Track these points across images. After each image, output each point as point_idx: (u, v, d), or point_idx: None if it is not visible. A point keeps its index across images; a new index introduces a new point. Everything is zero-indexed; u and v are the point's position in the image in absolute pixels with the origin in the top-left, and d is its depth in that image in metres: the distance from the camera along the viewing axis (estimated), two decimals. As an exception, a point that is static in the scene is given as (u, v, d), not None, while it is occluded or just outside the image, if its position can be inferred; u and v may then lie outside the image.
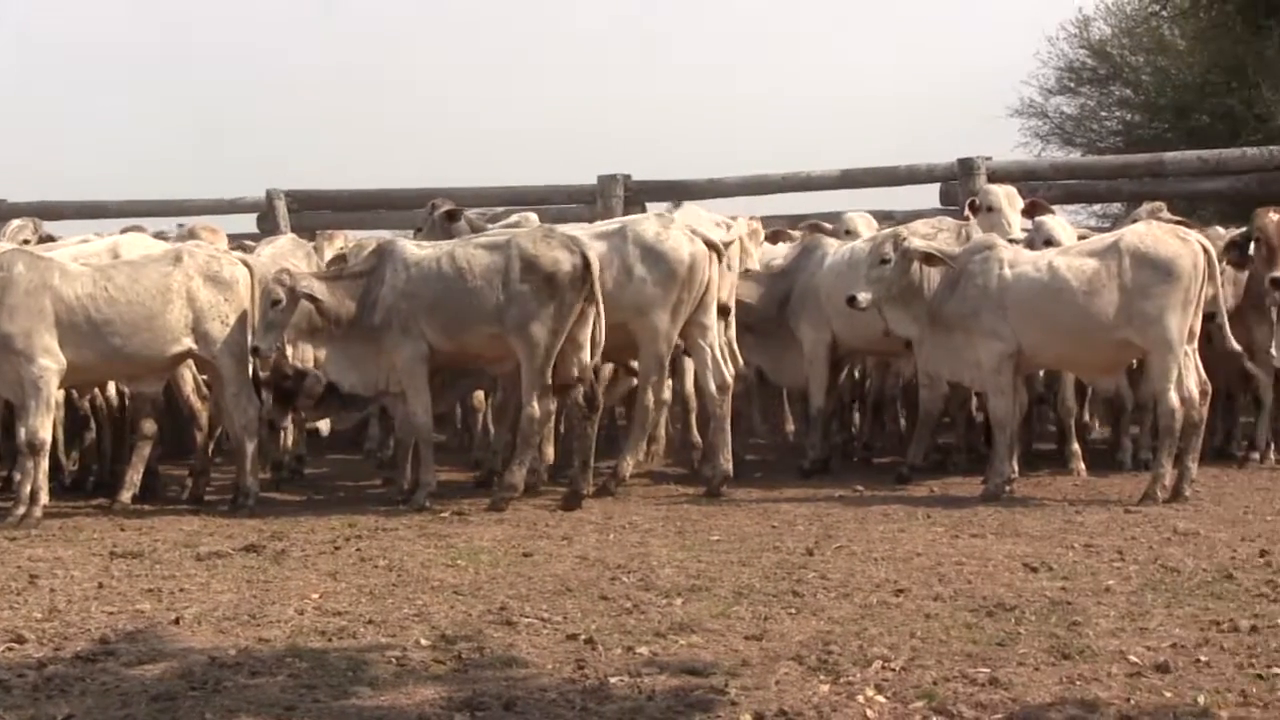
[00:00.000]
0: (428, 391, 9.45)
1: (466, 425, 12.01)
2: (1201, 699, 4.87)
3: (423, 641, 5.80)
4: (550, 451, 10.44)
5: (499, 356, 9.53)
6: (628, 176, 15.45)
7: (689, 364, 11.14)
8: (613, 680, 5.20)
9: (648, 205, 15.03)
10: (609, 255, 9.74)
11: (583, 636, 5.81)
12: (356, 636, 5.93)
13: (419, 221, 11.65)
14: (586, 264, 9.23)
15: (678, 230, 9.81)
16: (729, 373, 9.88)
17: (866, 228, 11.78)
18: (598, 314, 9.32)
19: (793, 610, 6.26)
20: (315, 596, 6.67)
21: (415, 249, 9.62)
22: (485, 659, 5.54)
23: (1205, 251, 9.16)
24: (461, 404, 11.54)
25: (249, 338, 9.32)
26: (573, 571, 7.19)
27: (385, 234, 13.81)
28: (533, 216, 11.18)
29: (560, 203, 15.15)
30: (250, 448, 9.44)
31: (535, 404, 9.22)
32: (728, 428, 9.91)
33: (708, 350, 9.88)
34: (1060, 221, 10.95)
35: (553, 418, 10.02)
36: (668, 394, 10.79)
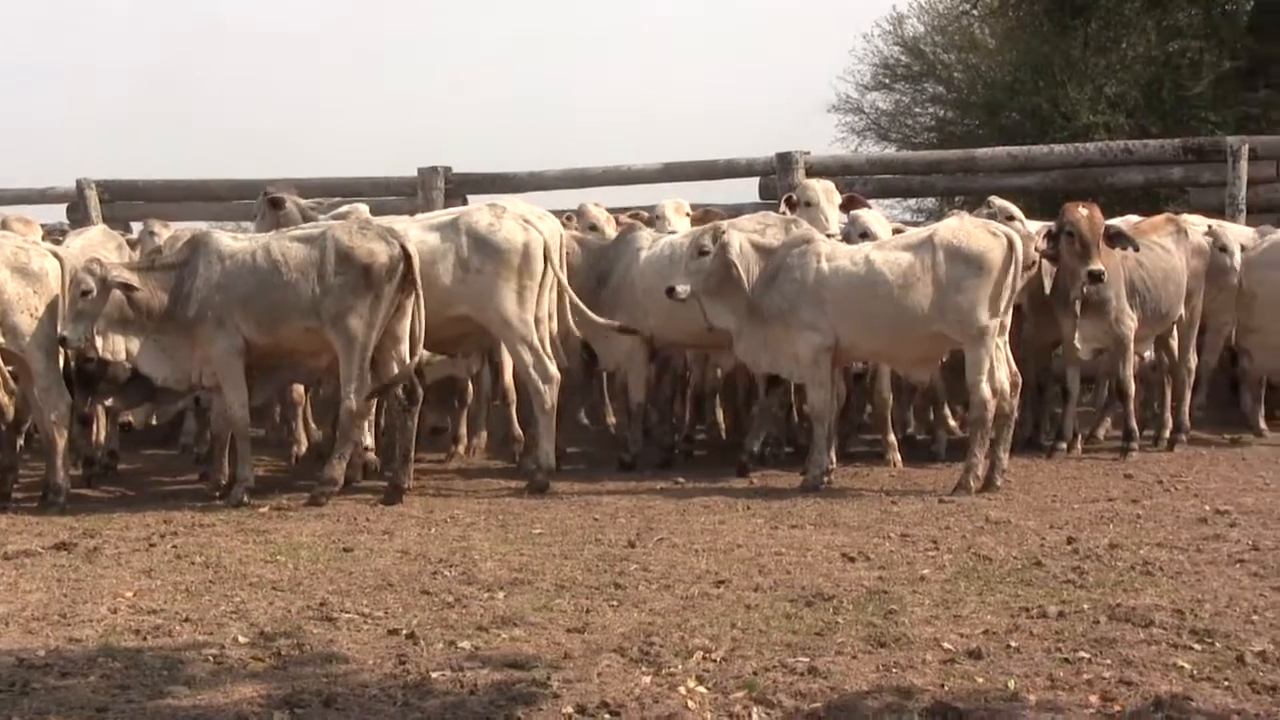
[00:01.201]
0: (244, 385, 9.30)
1: (285, 419, 11.85)
2: (1011, 684, 4.98)
3: (241, 639, 5.71)
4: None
5: (316, 350, 9.41)
6: (448, 169, 15.38)
7: (510, 357, 11.13)
8: (434, 675, 5.17)
9: (469, 198, 14.99)
10: (443, 247, 9.69)
11: (404, 631, 5.77)
12: (172, 635, 5.82)
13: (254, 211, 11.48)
14: (405, 256, 9.15)
15: (510, 219, 9.79)
16: (555, 367, 9.86)
17: (675, 213, 11.84)
18: (417, 307, 9.25)
19: (614, 602, 6.28)
20: (129, 595, 6.54)
21: (229, 241, 9.46)
22: (305, 655, 5.48)
23: (1014, 246, 9.35)
24: (280, 397, 11.37)
25: (60, 330, 9.09)
26: (394, 566, 7.13)
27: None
28: (363, 208, 11.02)
29: (378, 195, 15.01)
30: (60, 443, 9.22)
31: (353, 398, 9.13)
32: (553, 423, 9.91)
33: (538, 344, 9.85)
34: (876, 215, 11.11)
35: (372, 411, 9.93)
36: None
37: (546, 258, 9.77)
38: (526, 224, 9.80)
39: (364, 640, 5.70)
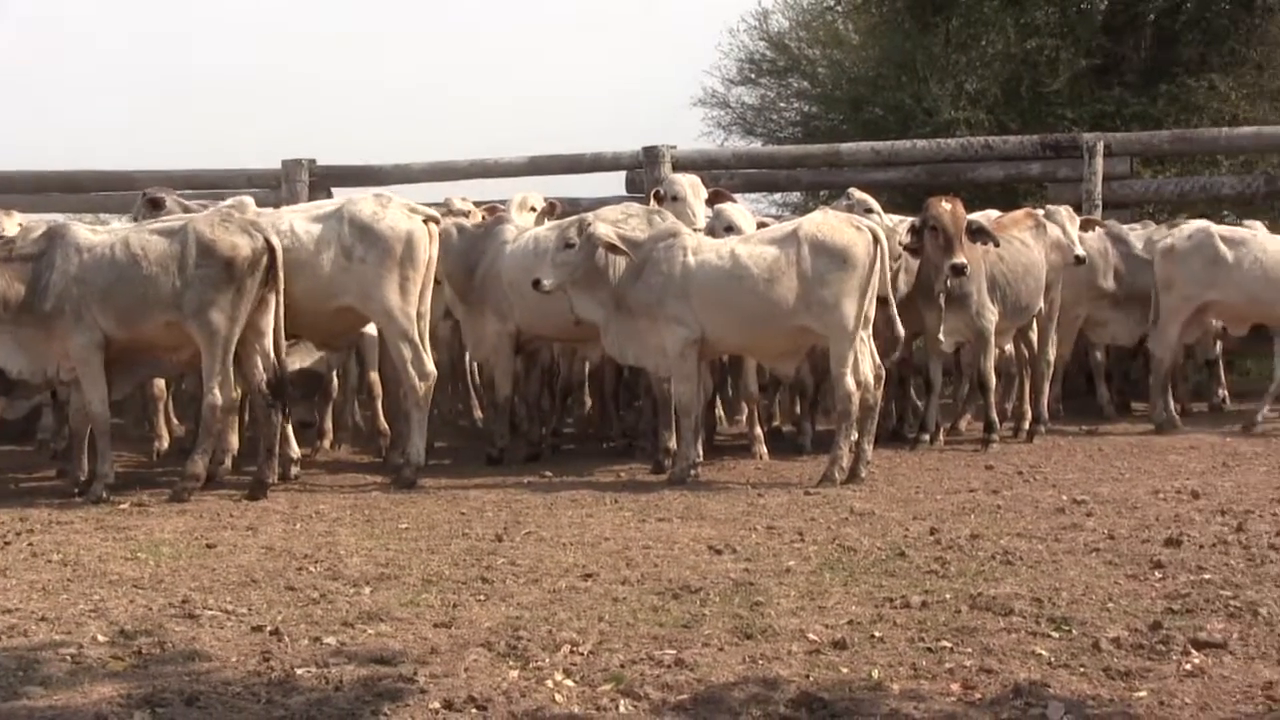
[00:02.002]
0: (103, 380, 9.13)
1: (147, 414, 11.67)
2: (875, 673, 5.03)
3: (100, 638, 5.61)
4: (234, 440, 10.21)
5: (177, 344, 9.27)
6: (312, 161, 15.25)
7: (376, 351, 11.07)
8: (299, 671, 5.11)
9: (333, 190, 14.87)
10: (326, 237, 9.61)
11: (268, 628, 5.70)
12: (28, 635, 5.70)
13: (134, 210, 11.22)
14: (268, 248, 9.06)
15: (395, 208, 9.73)
16: (431, 363, 9.80)
17: (519, 209, 11.80)
18: (278, 300, 9.17)
19: (482, 597, 6.26)
20: (-17, 594, 6.40)
21: (88, 233, 9.29)
22: (166, 654, 5.40)
23: (878, 240, 9.46)
24: (141, 392, 11.20)
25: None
26: (258, 562, 7.05)
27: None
28: (249, 201, 10.84)
29: (241, 187, 14.80)
30: (-89, 440, 9.01)
31: (216, 392, 9.02)
32: (425, 419, 9.86)
33: (417, 338, 9.79)
34: (740, 209, 11.18)
35: (236, 406, 9.81)
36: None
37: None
38: (411, 214, 9.75)
39: (227, 637, 5.63)
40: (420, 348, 9.71)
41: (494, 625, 5.73)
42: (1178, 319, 11.84)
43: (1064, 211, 12.11)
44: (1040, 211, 12.03)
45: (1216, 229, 11.97)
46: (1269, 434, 11.46)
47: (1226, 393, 13.51)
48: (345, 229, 9.63)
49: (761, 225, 10.75)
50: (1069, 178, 14.31)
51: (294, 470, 9.93)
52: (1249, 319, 12.14)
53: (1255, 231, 12.30)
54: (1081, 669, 5.05)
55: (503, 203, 12.00)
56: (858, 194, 11.50)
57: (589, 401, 12.70)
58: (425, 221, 9.82)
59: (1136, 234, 13.06)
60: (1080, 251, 11.88)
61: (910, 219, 11.10)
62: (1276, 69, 18.69)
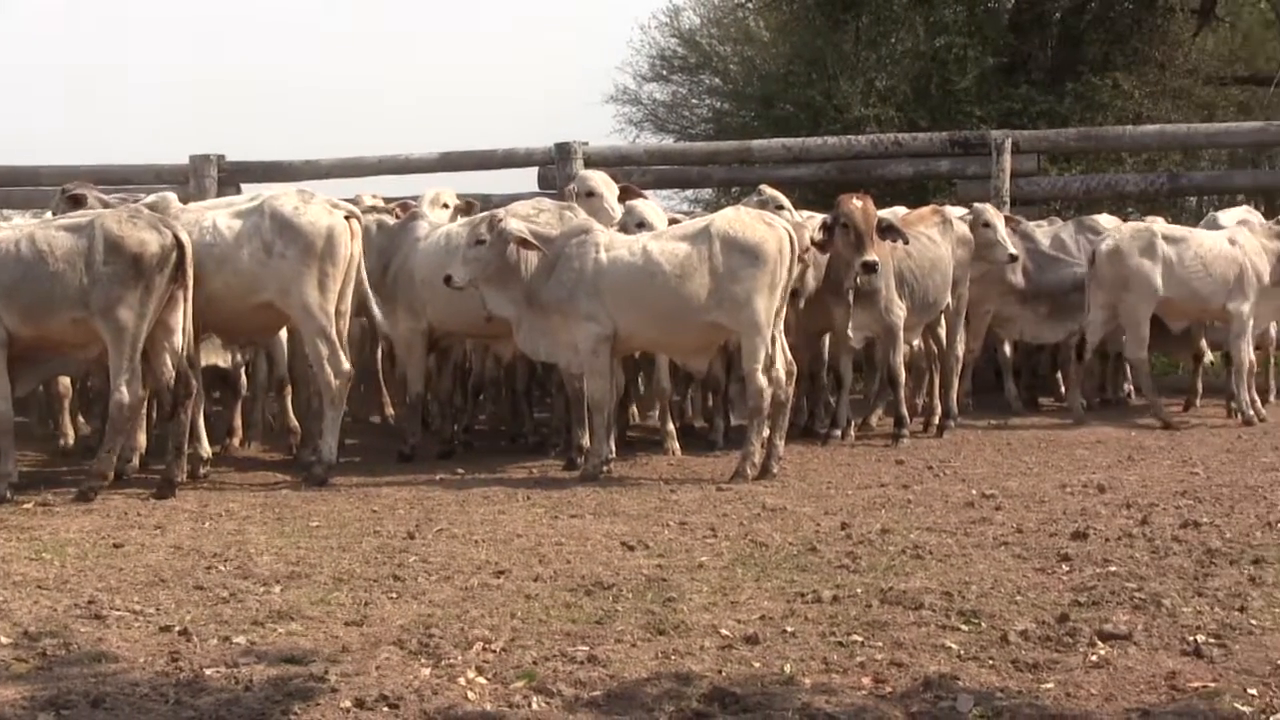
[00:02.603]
0: (6, 378, 8.99)
1: (52, 412, 11.52)
2: (787, 668, 5.06)
3: (3, 640, 5.52)
4: (142, 438, 10.11)
5: (84, 341, 9.15)
6: (221, 157, 15.12)
7: (285, 348, 10.99)
8: (208, 672, 5.06)
9: (243, 186, 14.75)
10: (247, 232, 9.54)
11: (177, 628, 5.64)
12: (-70, 637, 5.61)
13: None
14: (178, 245, 8.97)
15: (316, 204, 9.65)
16: (347, 362, 9.74)
17: (431, 205, 11.74)
18: (188, 297, 9.08)
19: (394, 595, 6.23)
20: (-117, 597, 6.29)
21: (-11, 229, 9.17)
22: (72, 655, 5.32)
23: (790, 236, 9.50)
24: (47, 389, 11.05)
25: None
26: (166, 562, 6.97)
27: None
28: (172, 197, 10.70)
29: (148, 183, 14.63)
30: None
31: (124, 390, 8.91)
32: (340, 417, 9.80)
33: (334, 336, 9.72)
34: (652, 205, 11.18)
35: (144, 404, 9.70)
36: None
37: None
38: (333, 210, 9.68)
39: (135, 638, 5.56)
40: (337, 345, 9.64)
41: (406, 623, 5.71)
42: (1143, 319, 11.94)
43: (991, 209, 12.25)
44: (948, 208, 12.14)
45: (1158, 228, 12.14)
46: (1173, 426, 11.63)
47: (1132, 387, 13.70)
48: (266, 224, 9.56)
49: (673, 222, 10.76)
50: (977, 175, 14.45)
51: (204, 470, 9.83)
52: (1189, 315, 12.32)
53: (1192, 229, 12.50)
54: (990, 661, 5.10)
55: (415, 199, 11.94)
56: (769, 191, 11.54)
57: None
58: (347, 218, 9.75)
59: (1043, 231, 13.20)
60: (1013, 250, 12.03)
61: (821, 215, 11.16)
62: (1178, 68, 18.97)
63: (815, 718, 4.53)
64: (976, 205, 12.43)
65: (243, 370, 11.54)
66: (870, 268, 10.43)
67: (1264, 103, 21.33)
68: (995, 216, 12.14)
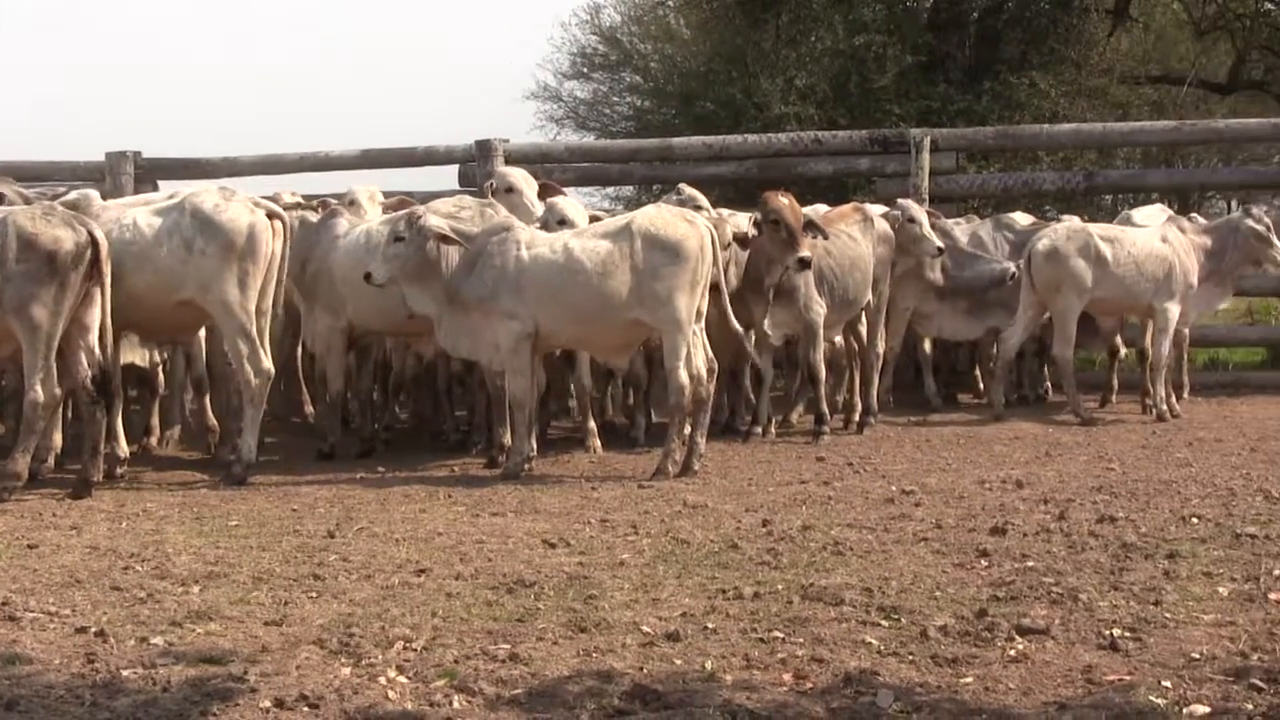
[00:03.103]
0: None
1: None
2: (709, 664, 5.07)
3: (-84, 643, 5.45)
4: (58, 438, 9.98)
5: (-2, 339, 9.04)
6: (138, 153, 14.94)
7: (204, 346, 10.90)
8: (125, 673, 5.01)
9: (160, 184, 14.60)
10: (167, 229, 9.45)
11: (93, 629, 5.58)
12: None
13: None
14: (93, 242, 8.86)
15: (238, 202, 9.57)
16: (268, 361, 9.66)
17: (369, 201, 11.67)
18: (104, 295, 8.98)
19: (313, 594, 6.19)
20: None
21: (-103, 228, 9.01)
22: (-14, 658, 5.26)
23: (711, 234, 9.52)
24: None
25: None
26: (82, 562, 6.89)
27: None
28: (94, 194, 10.55)
29: (65, 179, 14.44)
30: None
31: (39, 389, 8.79)
32: (260, 416, 9.72)
33: (255, 335, 9.65)
34: (573, 202, 11.18)
35: (60, 403, 9.57)
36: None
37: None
38: (254, 208, 9.60)
39: (50, 640, 5.50)
40: (258, 344, 9.57)
41: (326, 622, 5.67)
42: (1073, 318, 12.05)
43: (916, 205, 12.35)
44: (869, 205, 12.21)
45: (1093, 228, 12.27)
46: (1090, 423, 11.76)
47: (1050, 384, 13.83)
48: (186, 221, 9.48)
49: (594, 219, 10.76)
50: (897, 172, 14.53)
51: (121, 470, 9.72)
52: (1122, 312, 12.47)
53: (1124, 228, 12.64)
54: (910, 657, 5.14)
55: (337, 197, 11.87)
56: (688, 190, 11.56)
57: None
58: (269, 216, 9.67)
59: (961, 229, 13.31)
60: (939, 244, 12.14)
61: (739, 212, 11.20)
62: (1094, 68, 19.19)
63: (736, 714, 4.54)
64: (901, 201, 12.53)
65: (160, 369, 11.43)
66: (805, 263, 10.47)
67: (1177, 102, 21.65)
68: (920, 212, 12.25)
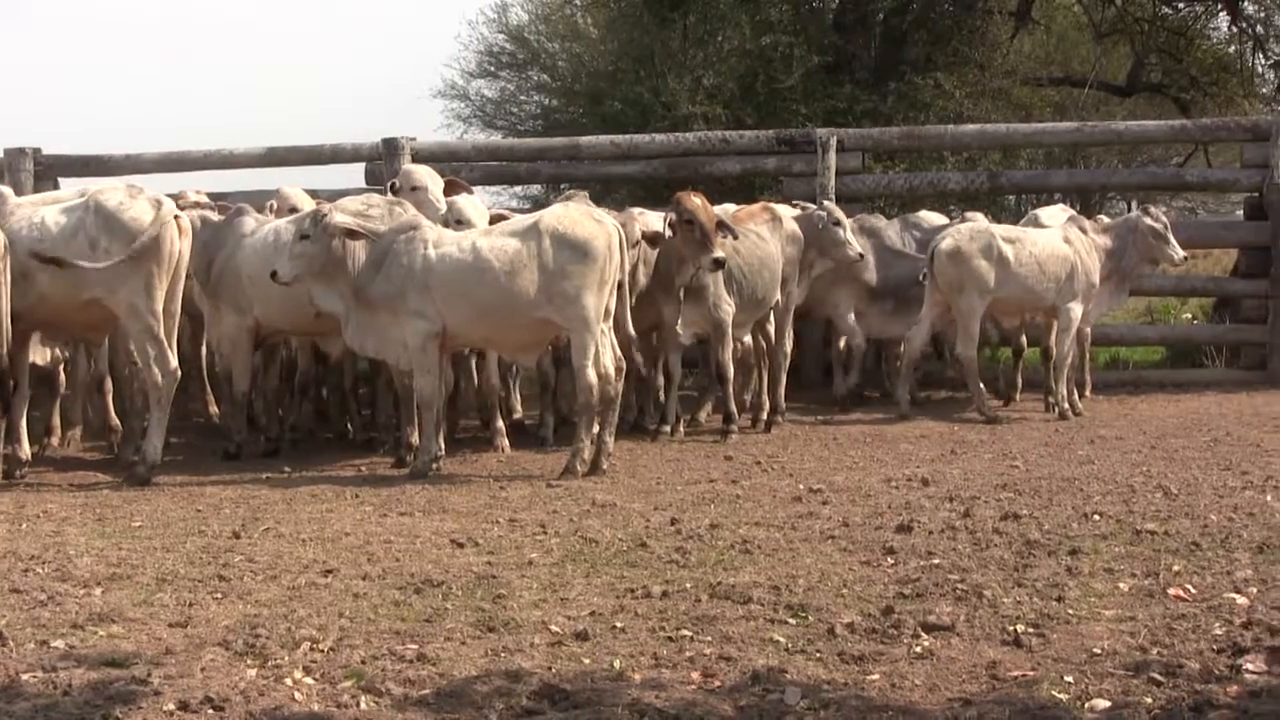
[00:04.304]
0: None
1: None
2: (617, 663, 5.08)
3: None
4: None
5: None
6: (38, 150, 14.72)
7: (106, 345, 10.77)
8: (25, 677, 4.94)
9: (61, 181, 14.40)
10: (72, 228, 9.31)
11: (-8, 633, 5.50)
12: None
13: None
14: None
15: (143, 200, 9.44)
16: (174, 361, 9.55)
17: (304, 204, 11.57)
18: (5, 295, 8.85)
19: (219, 595, 6.13)
20: None
21: None
22: (-118, 664, 5.16)
23: (619, 233, 9.53)
24: None
25: None
26: (-19, 565, 6.79)
27: None
28: (7, 191, 10.33)
29: (-40, 176, 14.20)
30: None
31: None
32: (166, 418, 9.61)
33: (162, 335, 9.54)
34: (473, 201, 11.11)
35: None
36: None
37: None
38: (159, 205, 9.47)
39: (-52, 644, 5.41)
40: (164, 344, 9.46)
41: (231, 624, 5.62)
42: (977, 318, 12.15)
43: (838, 209, 12.42)
44: (778, 205, 12.27)
45: (996, 228, 12.38)
46: (994, 421, 11.88)
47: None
48: (91, 220, 9.35)
49: (498, 218, 10.73)
50: (803, 172, 14.60)
51: (22, 472, 9.57)
52: (1024, 311, 12.61)
53: (1027, 229, 12.77)
54: (817, 654, 5.17)
55: (255, 196, 11.78)
56: (578, 194, 11.57)
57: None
58: (175, 215, 9.55)
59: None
60: (859, 249, 12.21)
61: (649, 211, 11.22)
62: (997, 69, 19.36)
63: (645, 713, 4.55)
64: (826, 203, 12.63)
65: (61, 368, 11.28)
66: (720, 263, 10.50)
67: (1079, 103, 21.92)
68: (844, 216, 12.34)
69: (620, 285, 9.65)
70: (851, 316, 12.97)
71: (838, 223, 12.20)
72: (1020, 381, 13.33)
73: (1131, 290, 13.51)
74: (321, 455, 10.72)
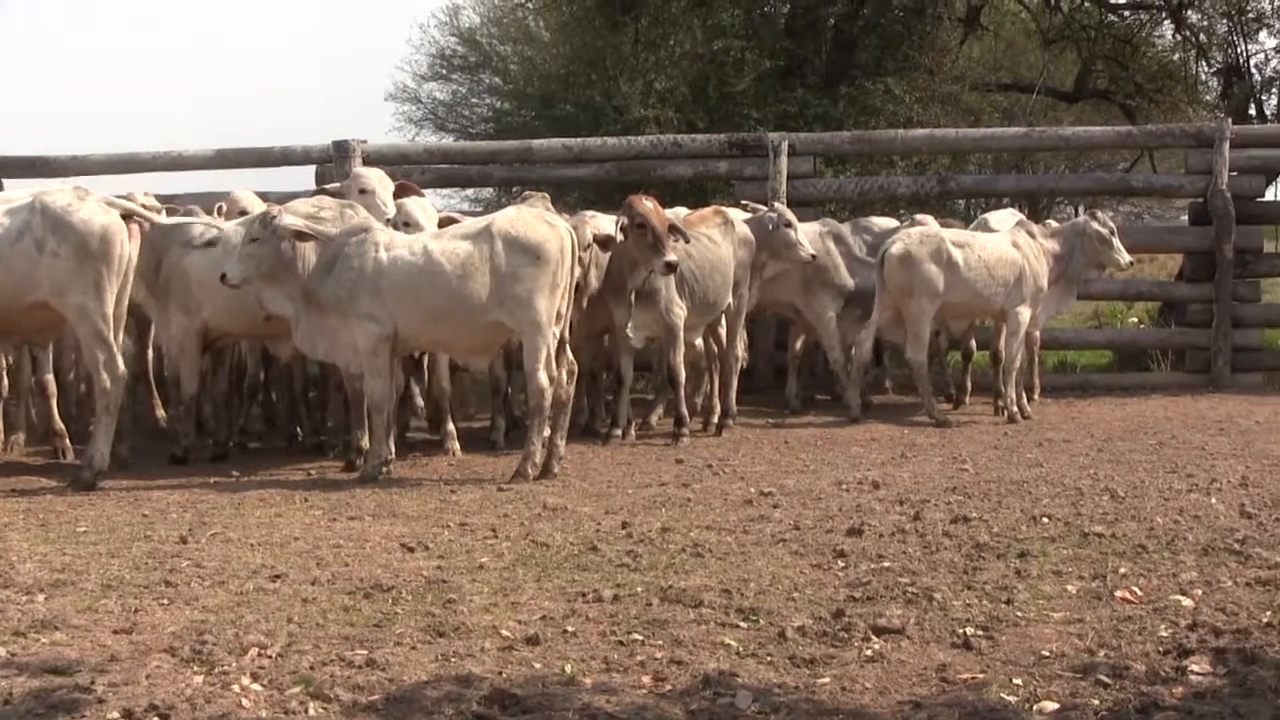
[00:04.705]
0: None
1: None
2: (568, 668, 5.06)
3: None
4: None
5: None
6: (-17, 152, 14.61)
7: (50, 348, 10.69)
8: (-32, 685, 4.89)
9: (5, 183, 14.28)
10: (18, 229, 9.19)
11: (-66, 640, 5.44)
12: None
13: None
14: None
15: (92, 202, 9.34)
16: (122, 365, 9.46)
17: (254, 206, 11.51)
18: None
19: (165, 601, 6.08)
20: None
21: None
22: None
23: (571, 236, 9.52)
24: None
25: None
26: (-77, 571, 6.71)
27: None
28: None
29: (-91, 175, 14.08)
30: None
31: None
32: (115, 423, 9.52)
33: (111, 339, 9.46)
34: (421, 203, 11.05)
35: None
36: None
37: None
38: (109, 209, 9.38)
39: (-111, 652, 5.34)
40: (114, 349, 9.37)
41: (178, 630, 5.57)
42: (926, 321, 12.18)
43: (788, 211, 12.45)
44: (731, 209, 12.29)
45: (945, 233, 12.42)
46: (944, 424, 11.92)
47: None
48: (37, 221, 9.23)
49: (449, 221, 10.69)
50: (755, 176, 14.63)
51: None
52: (973, 315, 12.66)
53: (976, 233, 12.82)
54: (768, 658, 5.17)
55: (205, 198, 11.70)
56: (536, 196, 11.55)
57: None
58: (124, 217, 9.46)
59: (816, 231, 13.41)
60: (812, 251, 12.25)
61: (601, 215, 11.21)
62: (946, 75, 19.48)
63: (596, 718, 4.54)
64: (777, 205, 12.66)
65: (3, 371, 11.17)
66: (672, 267, 10.51)
67: (1027, 109, 22.04)
68: (794, 217, 12.37)
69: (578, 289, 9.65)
70: (834, 325, 12.94)
71: (789, 224, 12.23)
72: (969, 384, 13.38)
73: (1079, 294, 13.61)
74: (270, 459, 10.66)
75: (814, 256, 12.39)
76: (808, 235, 12.52)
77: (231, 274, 9.46)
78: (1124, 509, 7.84)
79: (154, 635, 5.52)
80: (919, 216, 13.42)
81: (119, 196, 10.25)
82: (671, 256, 10.47)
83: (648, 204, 10.61)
